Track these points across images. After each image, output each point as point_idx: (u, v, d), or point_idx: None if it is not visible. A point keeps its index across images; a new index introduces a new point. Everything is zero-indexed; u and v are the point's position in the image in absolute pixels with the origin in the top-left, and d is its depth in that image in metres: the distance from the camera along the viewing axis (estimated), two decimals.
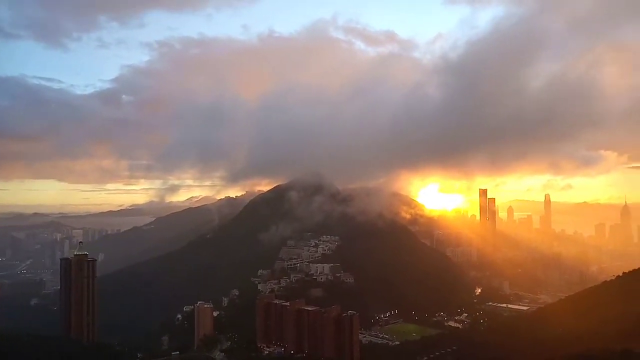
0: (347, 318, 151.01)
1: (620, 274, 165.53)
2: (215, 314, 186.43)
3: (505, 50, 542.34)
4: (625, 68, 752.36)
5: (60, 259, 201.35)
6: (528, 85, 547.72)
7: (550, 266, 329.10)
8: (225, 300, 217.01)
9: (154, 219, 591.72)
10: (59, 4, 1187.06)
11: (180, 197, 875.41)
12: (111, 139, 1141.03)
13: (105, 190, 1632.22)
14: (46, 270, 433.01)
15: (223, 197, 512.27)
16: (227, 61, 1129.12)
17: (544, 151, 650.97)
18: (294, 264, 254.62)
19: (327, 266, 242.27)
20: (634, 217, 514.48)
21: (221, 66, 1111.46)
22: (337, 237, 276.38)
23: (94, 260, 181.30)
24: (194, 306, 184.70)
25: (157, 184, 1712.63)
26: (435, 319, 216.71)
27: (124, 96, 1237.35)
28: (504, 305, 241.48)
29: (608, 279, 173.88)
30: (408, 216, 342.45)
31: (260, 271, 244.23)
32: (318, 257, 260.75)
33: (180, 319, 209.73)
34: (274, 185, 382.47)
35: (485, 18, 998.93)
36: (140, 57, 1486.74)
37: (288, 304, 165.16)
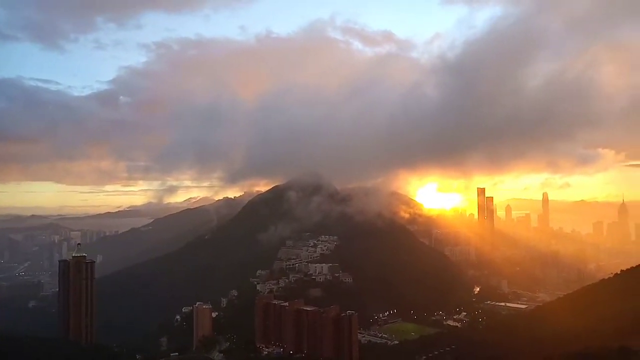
0: (346, 318, 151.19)
1: (618, 272, 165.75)
2: (214, 314, 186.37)
3: (503, 50, 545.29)
4: (623, 67, 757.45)
5: (59, 261, 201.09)
6: (526, 85, 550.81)
7: (548, 264, 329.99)
8: (224, 301, 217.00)
9: (152, 220, 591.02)
10: (55, 5, 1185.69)
11: (179, 198, 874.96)
12: (109, 141, 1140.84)
13: (103, 191, 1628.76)
14: (44, 272, 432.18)
15: (221, 197, 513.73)
16: (225, 62, 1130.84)
17: (541, 150, 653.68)
18: (293, 264, 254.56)
19: (325, 266, 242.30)
20: (631, 215, 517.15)
21: (219, 67, 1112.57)
22: (335, 237, 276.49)
23: (92, 262, 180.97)
24: (193, 307, 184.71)
25: (155, 185, 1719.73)
26: (434, 318, 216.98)
27: (121, 97, 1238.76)
28: (503, 303, 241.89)
29: (606, 277, 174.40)
30: (406, 216, 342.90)
31: (258, 271, 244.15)
32: (317, 257, 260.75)
33: (179, 320, 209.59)
34: (273, 186, 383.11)
35: (483, 18, 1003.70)
36: (137, 58, 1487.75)
37: (287, 304, 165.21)
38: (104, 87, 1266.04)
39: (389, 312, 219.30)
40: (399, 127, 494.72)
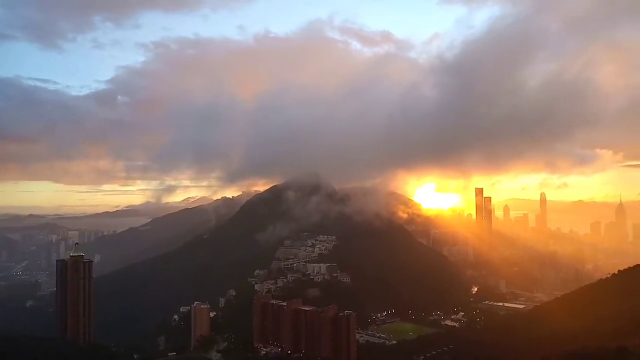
0: (344, 318, 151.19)
1: (616, 272, 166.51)
2: (212, 314, 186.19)
3: (501, 50, 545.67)
4: (620, 68, 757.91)
5: (56, 261, 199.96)
6: (524, 85, 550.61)
7: (546, 264, 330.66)
8: (222, 301, 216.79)
9: (150, 219, 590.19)
10: (53, 4, 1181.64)
11: (177, 198, 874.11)
12: (107, 140, 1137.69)
13: (101, 191, 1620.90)
14: (42, 271, 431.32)
15: (220, 197, 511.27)
16: (223, 62, 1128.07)
17: (539, 150, 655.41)
18: (291, 264, 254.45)
19: (324, 266, 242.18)
20: (629, 215, 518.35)
21: (217, 67, 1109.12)
22: (333, 237, 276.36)
23: (90, 262, 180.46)
24: (191, 307, 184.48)
25: (153, 184, 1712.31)
26: (432, 318, 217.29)
27: (119, 97, 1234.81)
28: (500, 304, 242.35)
29: (603, 277, 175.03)
30: (405, 216, 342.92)
31: (257, 271, 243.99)
32: (315, 257, 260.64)
33: (176, 319, 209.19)
34: (271, 186, 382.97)
35: (482, 18, 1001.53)
36: (135, 58, 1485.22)
37: (285, 304, 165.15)
38: (102, 86, 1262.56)
39: (387, 312, 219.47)
40: (397, 127, 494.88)
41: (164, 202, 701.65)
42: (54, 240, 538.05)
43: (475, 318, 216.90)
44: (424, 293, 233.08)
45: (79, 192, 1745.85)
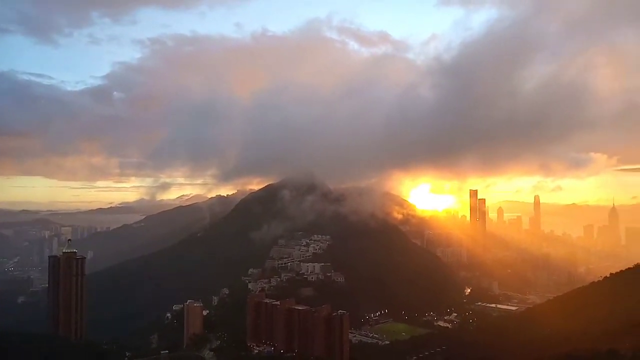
0: (338, 317, 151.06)
1: (608, 275, 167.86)
2: (205, 312, 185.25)
3: (499, 52, 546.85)
4: (617, 71, 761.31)
5: (49, 257, 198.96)
6: (520, 87, 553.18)
7: (539, 267, 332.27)
8: (215, 299, 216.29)
9: (144, 217, 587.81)
10: None
11: (171, 195, 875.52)
12: (102, 136, 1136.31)
13: (95, 187, 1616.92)
14: (34, 267, 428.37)
15: (214, 195, 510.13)
16: (220, 59, 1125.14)
17: (534, 153, 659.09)
18: (285, 263, 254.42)
19: (317, 265, 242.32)
20: (621, 219, 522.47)
21: (214, 64, 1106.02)
22: (328, 237, 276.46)
23: (83, 258, 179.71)
24: (184, 305, 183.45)
25: (148, 181, 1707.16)
26: (425, 319, 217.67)
27: (115, 93, 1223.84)
28: (493, 305, 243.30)
29: (596, 280, 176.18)
30: (399, 216, 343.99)
31: (250, 270, 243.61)
32: (309, 256, 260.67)
33: (169, 317, 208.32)
34: (266, 184, 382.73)
35: (479, 20, 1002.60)
36: (132, 54, 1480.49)
37: (278, 303, 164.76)
38: (98, 82, 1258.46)
39: (381, 312, 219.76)
40: (394, 128, 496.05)
41: (158, 199, 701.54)
42: (46, 236, 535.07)
43: (468, 319, 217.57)
44: (418, 293, 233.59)
45: (72, 188, 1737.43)
